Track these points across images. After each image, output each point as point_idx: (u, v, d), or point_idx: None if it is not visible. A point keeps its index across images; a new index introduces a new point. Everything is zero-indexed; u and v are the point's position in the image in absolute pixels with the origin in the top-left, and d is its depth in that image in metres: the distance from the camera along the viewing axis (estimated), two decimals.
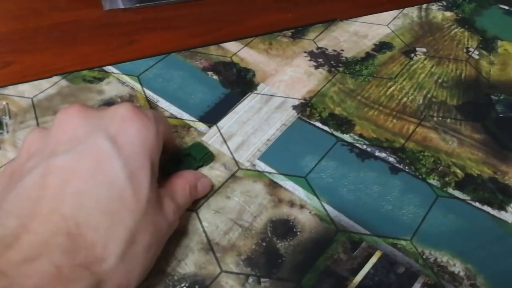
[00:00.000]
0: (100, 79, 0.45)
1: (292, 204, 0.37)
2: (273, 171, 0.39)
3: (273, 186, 0.38)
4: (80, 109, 0.29)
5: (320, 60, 0.50)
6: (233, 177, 0.38)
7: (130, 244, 0.25)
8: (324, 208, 0.37)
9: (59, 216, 0.24)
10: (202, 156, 0.38)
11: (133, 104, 0.29)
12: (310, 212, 0.36)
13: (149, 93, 0.44)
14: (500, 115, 0.46)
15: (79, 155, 0.26)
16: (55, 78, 0.45)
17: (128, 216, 0.25)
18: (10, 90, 0.43)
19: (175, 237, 0.33)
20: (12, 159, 0.38)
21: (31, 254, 0.22)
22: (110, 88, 0.44)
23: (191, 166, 0.38)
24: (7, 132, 0.39)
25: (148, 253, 0.27)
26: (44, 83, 0.44)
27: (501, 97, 0.48)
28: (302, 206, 0.37)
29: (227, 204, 0.36)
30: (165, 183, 0.32)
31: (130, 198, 0.26)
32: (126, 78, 0.46)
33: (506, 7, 0.62)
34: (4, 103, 0.42)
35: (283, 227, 0.35)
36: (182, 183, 0.33)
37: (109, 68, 0.46)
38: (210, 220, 0.35)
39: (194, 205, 0.36)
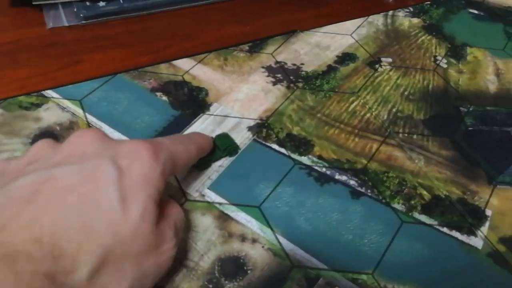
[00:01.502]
0: (38, 105, 0.42)
1: (243, 238, 0.34)
2: (224, 201, 0.36)
3: (224, 218, 0.35)
4: (98, 133, 0.29)
5: (279, 75, 0.47)
6: None
7: (102, 263, 0.24)
8: (279, 241, 0.34)
9: (37, 223, 0.23)
10: (227, 147, 0.39)
11: (152, 144, 0.28)
12: (263, 247, 0.33)
13: (91, 118, 0.41)
14: (470, 128, 0.44)
15: (80, 171, 0.26)
16: None
17: (108, 236, 0.24)
18: None
19: None
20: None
21: None
22: (49, 114, 0.41)
23: (215, 155, 0.39)
24: None
25: (121, 285, 0.25)
26: None
27: (471, 109, 0.45)
28: (254, 240, 0.34)
29: None
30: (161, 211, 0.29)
31: (116, 218, 0.25)
32: (67, 103, 0.43)
33: (476, 11, 0.60)
34: None
35: (233, 266, 0.32)
36: (175, 207, 0.31)
37: (49, 93, 0.43)
38: None
39: None
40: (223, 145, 0.39)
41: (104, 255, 0.24)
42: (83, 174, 0.26)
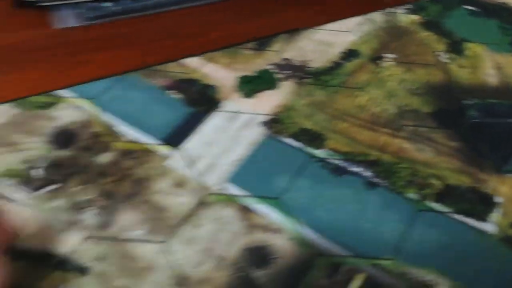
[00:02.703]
0: (52, 105, 0.43)
1: (266, 229, 0.35)
2: (245, 193, 0.37)
3: (245, 210, 0.36)
4: None
5: (287, 71, 0.49)
6: (202, 203, 0.37)
7: None
8: (300, 231, 0.35)
9: None
10: None
11: None
12: (286, 237, 0.35)
13: (107, 117, 0.42)
14: (474, 120, 0.46)
15: None
16: (4, 107, 0.42)
17: None
18: None
19: (143, 274, 0.31)
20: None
21: None
22: (65, 114, 0.43)
23: None
24: None
25: None
26: None
27: (474, 102, 0.47)
28: (277, 231, 0.35)
29: (198, 233, 0.35)
30: None
31: None
32: (80, 102, 0.44)
33: (471, 8, 0.62)
34: None
35: (259, 255, 0.34)
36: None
37: (62, 92, 0.44)
38: (182, 251, 0.34)
39: (163, 236, 0.34)
40: None
41: None
42: None
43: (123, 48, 0.51)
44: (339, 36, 0.55)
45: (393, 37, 0.56)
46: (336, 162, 0.41)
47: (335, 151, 0.41)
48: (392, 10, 0.60)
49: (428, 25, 0.58)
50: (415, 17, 0.59)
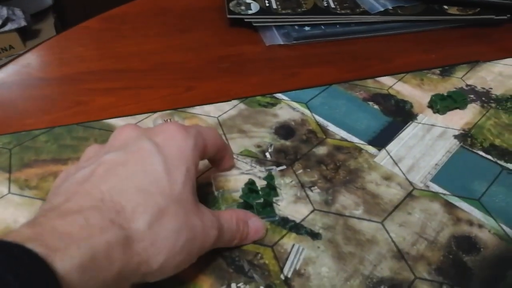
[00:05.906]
0: (273, 105, 0.48)
1: (470, 223, 0.38)
2: (447, 192, 0.40)
3: (449, 206, 0.39)
4: (134, 126, 0.33)
5: (472, 96, 0.51)
6: (409, 195, 0.40)
7: (159, 217, 0.28)
8: (502, 229, 0.37)
9: (97, 190, 0.27)
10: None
11: (181, 124, 0.33)
12: (489, 231, 0.37)
13: (318, 118, 0.47)
14: None
15: (126, 152, 0.30)
16: (234, 102, 0.49)
17: (159, 196, 0.28)
18: (198, 109, 0.47)
19: (367, 245, 0.35)
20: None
21: (65, 213, 0.26)
22: (283, 112, 0.48)
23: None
24: None
25: (178, 238, 0.28)
26: (225, 106, 0.48)
27: None
28: (480, 226, 0.38)
29: (409, 219, 0.38)
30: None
31: (164, 185, 0.29)
32: (295, 105, 0.49)
33: None
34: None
35: (466, 243, 0.36)
36: (229, 213, 0.34)
37: (279, 95, 0.50)
38: (397, 232, 0.37)
39: (378, 217, 0.38)
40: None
41: (158, 211, 0.28)
42: (128, 153, 0.30)
43: (322, 65, 0.56)
44: None
45: None
46: None
47: None
48: None
49: None
50: None
